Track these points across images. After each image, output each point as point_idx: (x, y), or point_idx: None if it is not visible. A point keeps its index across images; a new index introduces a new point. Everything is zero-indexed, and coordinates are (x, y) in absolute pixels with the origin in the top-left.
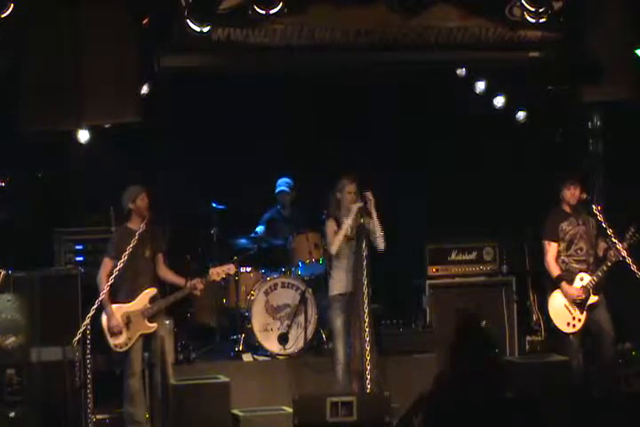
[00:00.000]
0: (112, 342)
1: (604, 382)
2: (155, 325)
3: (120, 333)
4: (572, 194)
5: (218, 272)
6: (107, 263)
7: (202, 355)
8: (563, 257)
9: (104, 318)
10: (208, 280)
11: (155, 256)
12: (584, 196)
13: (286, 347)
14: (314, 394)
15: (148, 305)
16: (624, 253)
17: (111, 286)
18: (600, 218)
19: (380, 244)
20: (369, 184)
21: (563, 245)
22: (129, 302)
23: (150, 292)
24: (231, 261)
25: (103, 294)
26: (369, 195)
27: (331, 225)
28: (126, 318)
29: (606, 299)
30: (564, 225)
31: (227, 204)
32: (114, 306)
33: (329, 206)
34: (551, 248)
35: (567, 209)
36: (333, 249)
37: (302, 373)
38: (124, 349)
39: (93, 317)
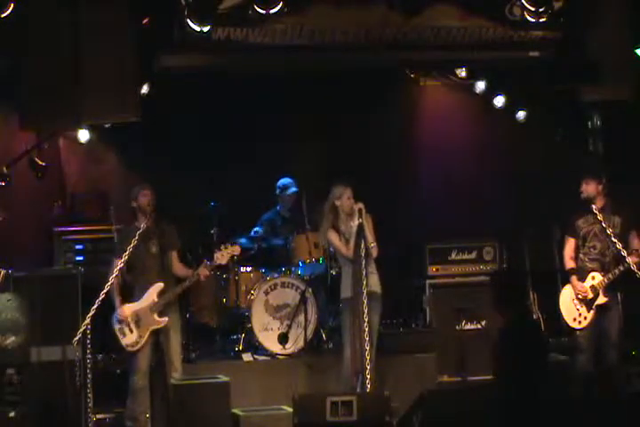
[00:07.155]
0: (123, 342)
1: (605, 383)
2: (165, 319)
3: (130, 331)
4: (584, 189)
5: (223, 255)
6: (115, 263)
7: (202, 355)
8: (580, 254)
9: (114, 318)
10: (213, 264)
11: (164, 253)
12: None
13: (286, 347)
14: (314, 394)
15: (156, 299)
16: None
17: (123, 285)
18: (600, 217)
19: (374, 252)
20: (363, 187)
21: (580, 242)
22: (140, 299)
23: (157, 286)
24: (233, 242)
25: (106, 291)
26: (361, 206)
27: (334, 235)
28: (135, 316)
29: (622, 302)
30: (580, 222)
31: (227, 204)
32: (126, 305)
33: (323, 215)
34: (568, 243)
35: (592, 205)
36: (351, 254)
37: (302, 373)
38: (136, 347)
39: (93, 317)
